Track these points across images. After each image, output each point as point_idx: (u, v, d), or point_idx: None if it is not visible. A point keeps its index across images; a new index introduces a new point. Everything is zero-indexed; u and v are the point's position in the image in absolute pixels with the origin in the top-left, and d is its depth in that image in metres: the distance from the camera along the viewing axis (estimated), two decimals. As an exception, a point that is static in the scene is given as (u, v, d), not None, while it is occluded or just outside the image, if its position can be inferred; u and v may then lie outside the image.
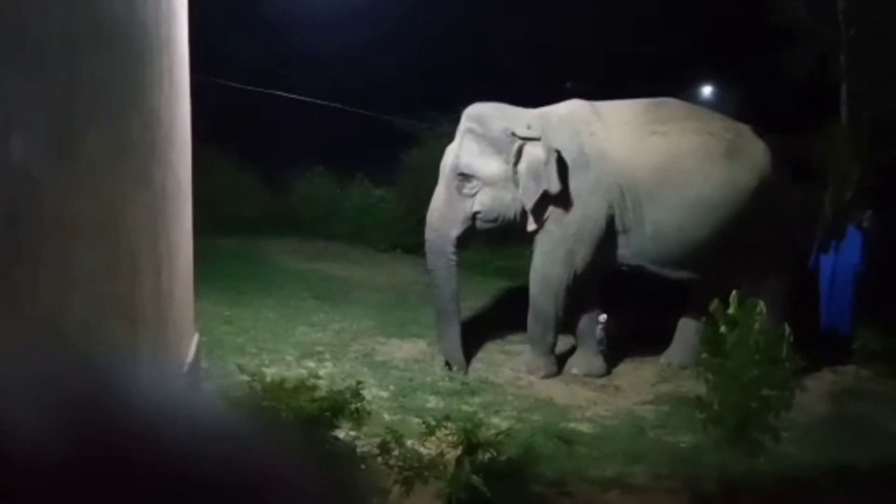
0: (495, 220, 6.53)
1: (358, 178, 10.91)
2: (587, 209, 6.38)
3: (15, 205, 1.70)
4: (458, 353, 6.53)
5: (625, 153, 6.40)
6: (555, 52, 12.56)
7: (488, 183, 6.44)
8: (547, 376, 6.52)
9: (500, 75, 11.31)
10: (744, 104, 8.34)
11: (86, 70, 2.28)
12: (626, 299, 6.79)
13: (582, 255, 6.43)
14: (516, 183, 6.39)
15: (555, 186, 6.24)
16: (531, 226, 6.45)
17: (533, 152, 6.34)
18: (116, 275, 2.62)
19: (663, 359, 6.92)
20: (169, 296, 3.69)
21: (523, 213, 6.46)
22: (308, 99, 10.96)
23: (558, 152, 6.29)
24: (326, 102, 10.91)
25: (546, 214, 6.42)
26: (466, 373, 6.48)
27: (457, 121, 10.23)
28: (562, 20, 12.50)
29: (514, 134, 6.39)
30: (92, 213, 2.31)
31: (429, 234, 6.65)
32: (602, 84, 9.02)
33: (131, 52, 2.98)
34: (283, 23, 11.43)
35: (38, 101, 1.88)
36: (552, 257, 6.46)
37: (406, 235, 10.07)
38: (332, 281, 8.51)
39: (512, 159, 6.38)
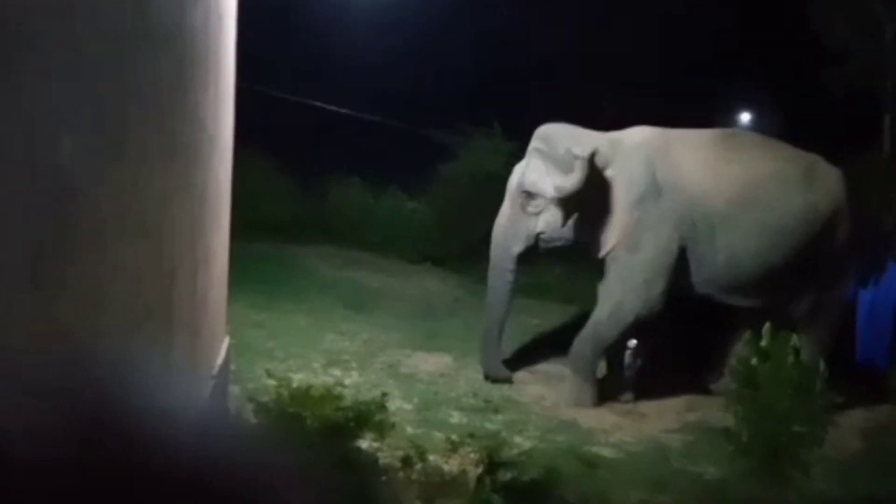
0: (558, 239, 6.53)
1: (391, 189, 10.98)
2: (659, 238, 6.35)
3: (60, 206, 1.74)
4: (499, 370, 6.59)
5: (700, 182, 6.38)
6: (593, 69, 12.54)
7: (553, 201, 6.46)
8: (591, 405, 6.37)
9: (537, 90, 11.34)
10: (784, 127, 8.25)
11: (135, 74, 2.33)
12: (657, 326, 6.70)
13: (660, 287, 6.37)
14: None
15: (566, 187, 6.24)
16: (603, 251, 6.42)
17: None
18: (155, 277, 2.66)
19: (713, 388, 6.64)
20: (204, 299, 3.74)
21: (589, 236, 6.44)
22: (345, 110, 11.09)
23: (592, 155, 6.29)
24: (362, 114, 11.02)
25: (614, 241, 6.38)
26: (511, 382, 6.57)
27: (492, 136, 10.35)
28: (599, 39, 12.48)
29: (576, 155, 6.36)
30: (134, 215, 2.36)
31: (493, 249, 6.71)
32: (640, 99, 8.98)
33: (180, 57, 3.04)
34: (324, 34, 11.59)
35: (88, 105, 1.92)
36: (629, 284, 6.39)
37: (436, 248, 10.09)
38: (361, 290, 8.55)
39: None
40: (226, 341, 4.71)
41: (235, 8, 4.55)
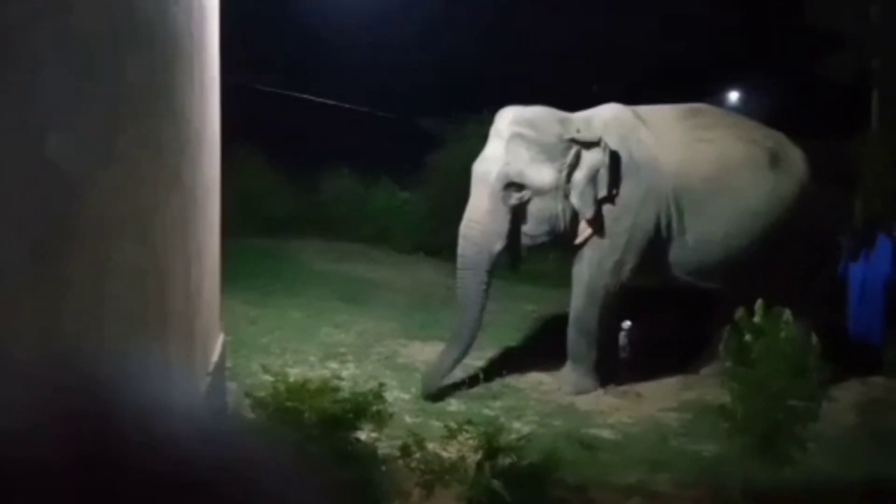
0: (543, 232, 6.17)
1: (383, 180, 10.95)
2: (638, 217, 6.13)
3: (55, 206, 1.73)
4: (439, 380, 5.92)
5: (675, 161, 6.20)
6: (580, 55, 12.54)
7: (539, 192, 6.03)
8: (593, 392, 6.28)
9: (525, 77, 11.32)
10: (775, 108, 8.26)
11: (122, 72, 2.32)
12: (650, 307, 6.73)
13: (630, 266, 6.17)
14: (566, 192, 6.06)
15: (608, 192, 6.01)
16: (581, 237, 6.17)
17: (592, 157, 6.04)
18: (147, 276, 2.66)
19: (704, 371, 6.51)
20: (197, 296, 3.73)
21: (571, 224, 6.17)
22: (333, 102, 11.06)
23: (615, 155, 6.06)
24: (351, 105, 11.00)
25: (597, 225, 6.14)
26: (436, 394, 5.79)
27: (482, 123, 10.30)
28: (588, 24, 12.47)
29: (573, 140, 6.06)
30: (126, 214, 2.35)
31: (467, 248, 6.09)
32: (629, 88, 8.98)
33: (164, 53, 3.02)
34: (310, 25, 11.52)
35: (78, 104, 1.91)
36: (601, 268, 6.18)
37: (430, 238, 10.08)
38: (356, 282, 8.55)
39: (566, 167, 6.05)
40: (221, 338, 4.71)
41: (218, 2, 4.52)
